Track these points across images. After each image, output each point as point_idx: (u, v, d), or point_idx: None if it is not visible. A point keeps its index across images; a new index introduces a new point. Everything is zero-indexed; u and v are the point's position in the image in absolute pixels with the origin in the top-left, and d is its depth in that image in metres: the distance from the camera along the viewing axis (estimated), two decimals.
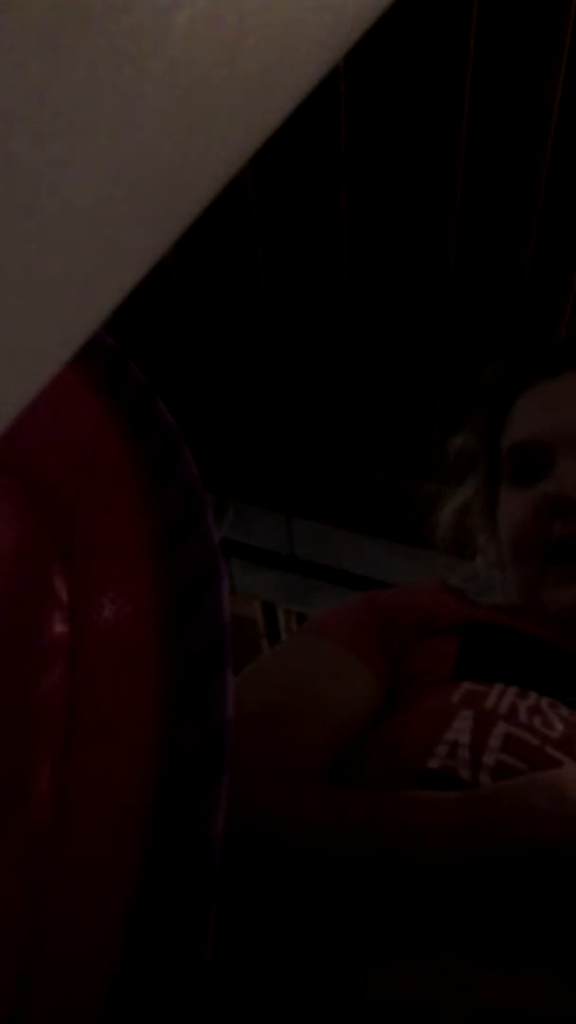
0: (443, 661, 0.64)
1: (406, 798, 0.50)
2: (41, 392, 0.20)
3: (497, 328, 2.16)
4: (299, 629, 0.71)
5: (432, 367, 2.31)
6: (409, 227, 1.98)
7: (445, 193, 1.87)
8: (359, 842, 0.47)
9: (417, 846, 0.46)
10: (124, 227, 0.20)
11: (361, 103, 1.75)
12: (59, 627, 0.38)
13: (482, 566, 0.87)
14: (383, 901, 0.45)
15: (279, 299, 2.27)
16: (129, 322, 2.08)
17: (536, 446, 0.78)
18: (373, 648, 0.66)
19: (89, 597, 0.39)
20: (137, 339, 2.15)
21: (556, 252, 1.94)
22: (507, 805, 0.47)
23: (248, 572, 3.03)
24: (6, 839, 0.34)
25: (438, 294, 2.10)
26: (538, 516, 0.74)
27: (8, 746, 0.35)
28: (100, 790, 0.35)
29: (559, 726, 0.58)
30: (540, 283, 2.02)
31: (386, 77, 1.70)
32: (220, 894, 0.33)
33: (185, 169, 0.20)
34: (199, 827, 0.34)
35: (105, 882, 0.34)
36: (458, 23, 1.58)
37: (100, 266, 0.20)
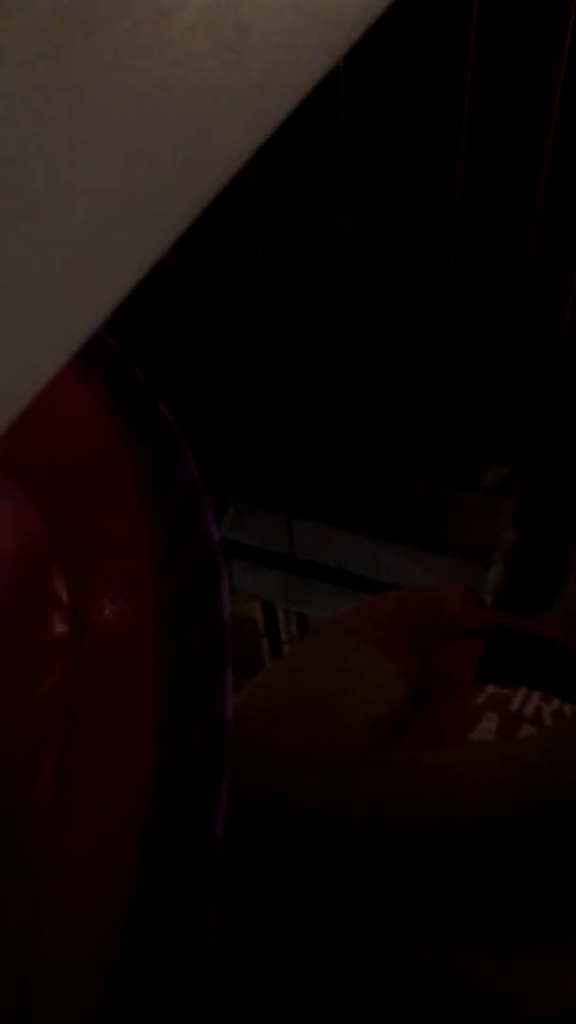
0: (467, 664, 0.64)
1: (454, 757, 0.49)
2: (41, 392, 0.20)
3: (497, 328, 2.16)
4: (330, 624, 0.69)
5: (432, 367, 2.31)
6: (409, 227, 1.98)
7: (445, 193, 1.87)
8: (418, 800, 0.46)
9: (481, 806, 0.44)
10: (124, 227, 0.20)
11: (361, 103, 1.75)
12: (59, 627, 0.38)
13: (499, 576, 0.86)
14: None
15: (279, 299, 2.27)
16: (129, 322, 2.08)
17: None
18: (404, 650, 0.64)
19: (89, 597, 0.39)
20: (137, 339, 2.15)
21: (556, 252, 1.94)
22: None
23: (248, 572, 3.03)
24: (6, 839, 0.34)
25: (438, 294, 2.10)
26: None
27: (8, 746, 0.35)
28: (100, 790, 0.35)
29: None
30: (540, 283, 2.02)
31: (386, 77, 1.70)
32: (224, 889, 0.33)
33: (185, 169, 0.20)
34: (199, 827, 0.34)
35: (105, 882, 0.34)
36: (458, 23, 1.58)
37: (100, 266, 0.20)
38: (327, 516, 2.76)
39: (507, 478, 0.87)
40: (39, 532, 0.41)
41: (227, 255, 2.16)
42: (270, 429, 2.71)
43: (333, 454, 2.72)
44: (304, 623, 3.61)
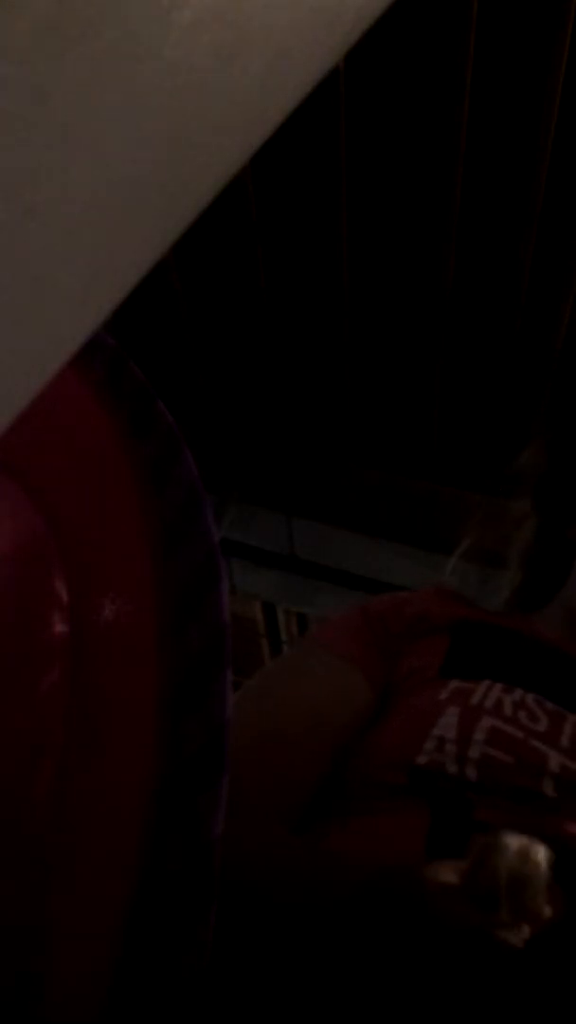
0: (432, 661, 0.66)
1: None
2: (41, 392, 0.20)
3: (497, 328, 2.16)
4: (306, 636, 0.77)
5: (432, 367, 2.31)
6: (409, 227, 1.98)
7: (445, 193, 1.87)
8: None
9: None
10: (124, 227, 0.20)
11: (361, 103, 1.75)
12: (59, 627, 0.38)
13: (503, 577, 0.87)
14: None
15: (279, 299, 2.26)
16: (129, 322, 2.08)
17: None
18: (371, 657, 0.68)
19: (89, 597, 0.39)
20: (137, 339, 2.15)
21: (556, 252, 1.94)
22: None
23: (248, 572, 3.03)
24: (6, 839, 0.34)
25: (438, 294, 2.10)
26: None
27: (8, 746, 0.35)
28: (100, 790, 0.35)
29: (544, 720, 0.59)
30: (540, 283, 2.02)
31: (386, 77, 1.70)
32: (220, 895, 0.33)
33: (185, 169, 0.20)
34: (199, 827, 0.34)
35: (105, 881, 0.34)
36: (458, 23, 1.58)
37: (100, 266, 0.20)
38: (327, 516, 2.76)
39: (536, 457, 0.88)
40: (39, 532, 0.41)
41: (227, 255, 2.16)
42: (270, 429, 2.71)
43: (333, 454, 2.71)
44: (304, 623, 3.61)
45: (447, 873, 0.43)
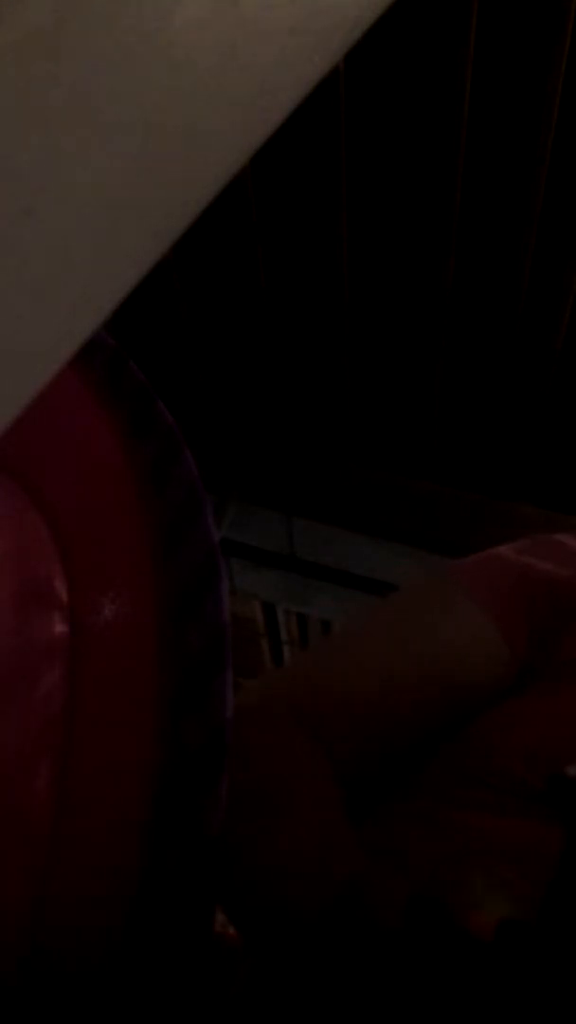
0: None
1: None
2: (41, 392, 0.20)
3: (497, 328, 2.16)
4: (448, 573, 0.63)
5: (432, 367, 2.31)
6: (409, 227, 1.98)
7: (445, 193, 1.87)
8: None
9: None
10: (124, 227, 0.20)
11: (361, 103, 1.75)
12: (59, 627, 0.38)
13: None
14: None
15: (279, 299, 2.27)
16: (129, 322, 2.08)
17: None
18: (519, 624, 0.58)
19: (89, 597, 0.39)
20: (137, 339, 2.15)
21: (556, 252, 1.94)
22: None
23: (248, 572, 3.03)
24: (6, 839, 0.34)
25: (438, 294, 2.10)
26: None
27: (8, 746, 0.35)
28: (100, 790, 0.35)
29: None
30: (540, 283, 2.02)
31: (386, 77, 1.70)
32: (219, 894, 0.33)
33: (185, 169, 0.20)
34: (199, 827, 0.34)
35: (105, 882, 0.34)
36: (458, 23, 1.58)
37: (100, 266, 0.20)
38: (327, 516, 2.76)
39: None
40: (39, 532, 0.41)
41: (227, 255, 2.16)
42: (270, 429, 2.71)
43: (333, 454, 2.72)
44: (304, 623, 3.61)
45: None
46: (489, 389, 2.32)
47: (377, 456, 2.68)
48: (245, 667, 3.25)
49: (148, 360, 0.49)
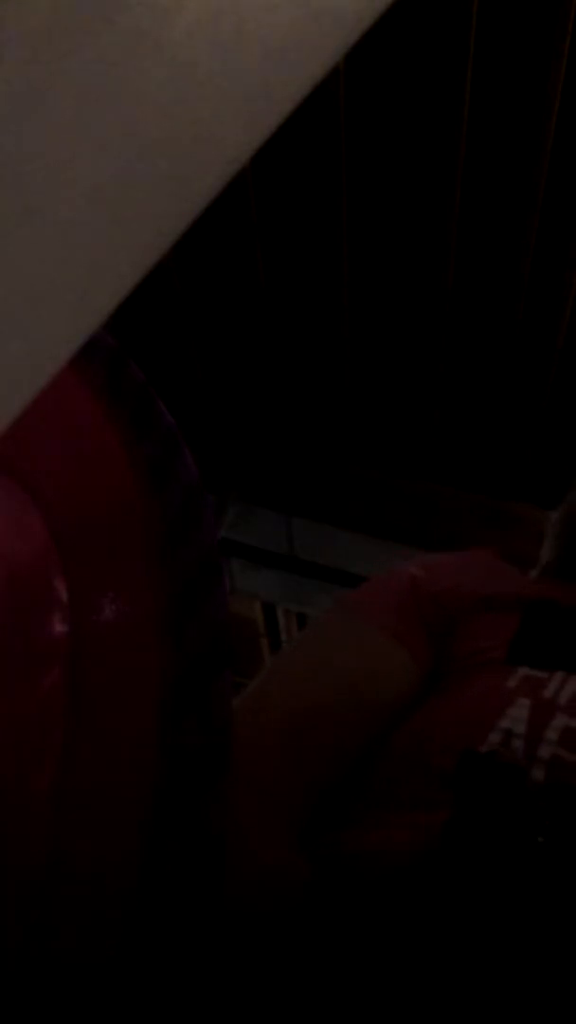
0: (498, 642, 0.61)
1: None
2: (41, 392, 0.20)
3: (498, 328, 2.16)
4: (341, 602, 0.68)
5: (433, 368, 2.31)
6: (409, 226, 1.98)
7: (445, 193, 1.87)
8: None
9: None
10: (124, 227, 0.20)
11: (361, 103, 1.75)
12: (59, 627, 0.38)
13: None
14: None
15: (279, 299, 2.27)
16: (129, 322, 2.08)
17: None
18: (418, 635, 0.62)
19: (89, 597, 0.39)
20: (137, 339, 2.15)
21: (556, 252, 1.94)
22: None
23: (248, 572, 3.03)
24: (7, 839, 0.34)
25: (438, 294, 2.10)
26: None
27: (8, 746, 0.35)
28: (101, 790, 0.35)
29: None
30: (540, 283, 2.02)
31: (386, 77, 1.70)
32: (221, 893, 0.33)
33: (185, 169, 0.20)
34: (200, 826, 0.34)
35: (106, 881, 0.34)
36: (458, 23, 1.58)
37: (100, 266, 0.20)
38: (327, 516, 2.76)
39: None
40: (39, 532, 0.41)
41: (227, 255, 2.16)
42: (270, 429, 2.71)
43: (333, 454, 2.72)
44: (304, 623, 3.61)
45: None
46: (489, 389, 2.32)
47: (377, 456, 2.68)
48: (245, 667, 3.25)
49: (148, 360, 0.49)
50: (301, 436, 2.71)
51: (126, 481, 0.42)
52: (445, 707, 0.57)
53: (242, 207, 2.02)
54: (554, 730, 0.52)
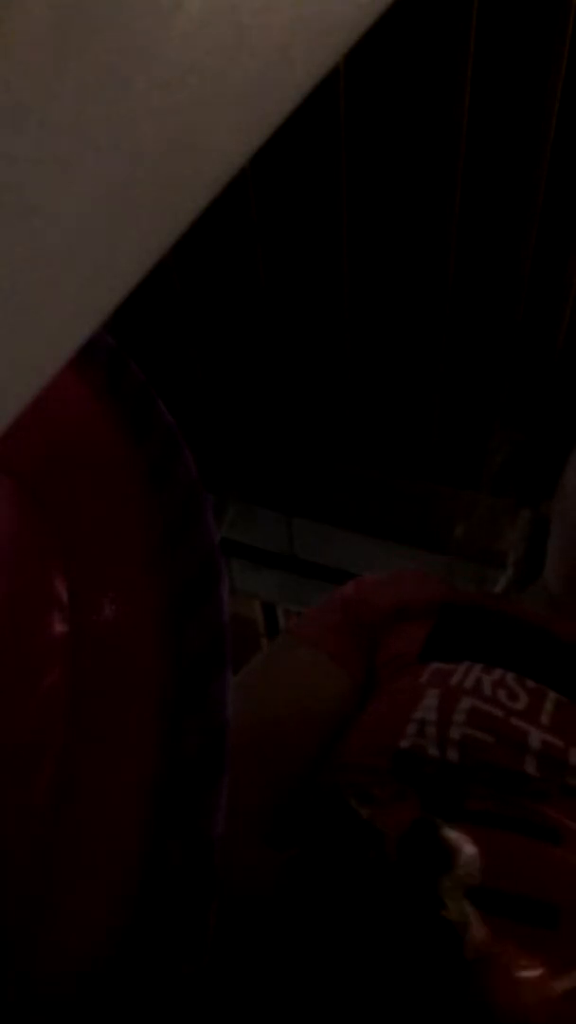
0: (414, 645, 0.67)
1: None
2: (41, 392, 0.20)
3: (498, 328, 2.16)
4: (288, 631, 0.75)
5: (433, 368, 2.31)
6: (409, 226, 1.97)
7: (445, 192, 1.87)
8: None
9: None
10: (124, 227, 0.20)
11: (361, 103, 1.75)
12: (59, 627, 0.38)
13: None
14: None
15: (279, 299, 2.26)
16: (129, 322, 2.08)
17: None
18: (348, 648, 0.69)
19: (89, 597, 0.39)
20: (137, 339, 2.15)
21: (556, 251, 1.94)
22: None
23: (248, 572, 3.03)
24: (6, 840, 0.34)
25: (438, 294, 2.10)
26: None
27: (8, 746, 0.35)
28: (100, 790, 0.35)
29: (524, 698, 0.59)
30: (540, 283, 2.02)
31: (386, 77, 1.70)
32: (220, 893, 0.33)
33: (185, 169, 0.20)
34: (200, 827, 0.34)
35: (105, 882, 0.34)
36: (458, 23, 1.58)
37: (100, 266, 0.20)
38: (327, 516, 2.76)
39: (505, 450, 0.89)
40: (39, 532, 0.41)
41: (227, 255, 2.16)
42: (270, 429, 2.71)
43: (333, 454, 2.71)
44: None
45: None
46: (490, 390, 2.32)
47: (377, 456, 2.68)
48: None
49: (148, 360, 0.49)
50: (301, 436, 2.70)
51: (126, 481, 0.42)
52: (373, 712, 0.62)
53: (242, 207, 2.02)
54: (461, 712, 0.57)
